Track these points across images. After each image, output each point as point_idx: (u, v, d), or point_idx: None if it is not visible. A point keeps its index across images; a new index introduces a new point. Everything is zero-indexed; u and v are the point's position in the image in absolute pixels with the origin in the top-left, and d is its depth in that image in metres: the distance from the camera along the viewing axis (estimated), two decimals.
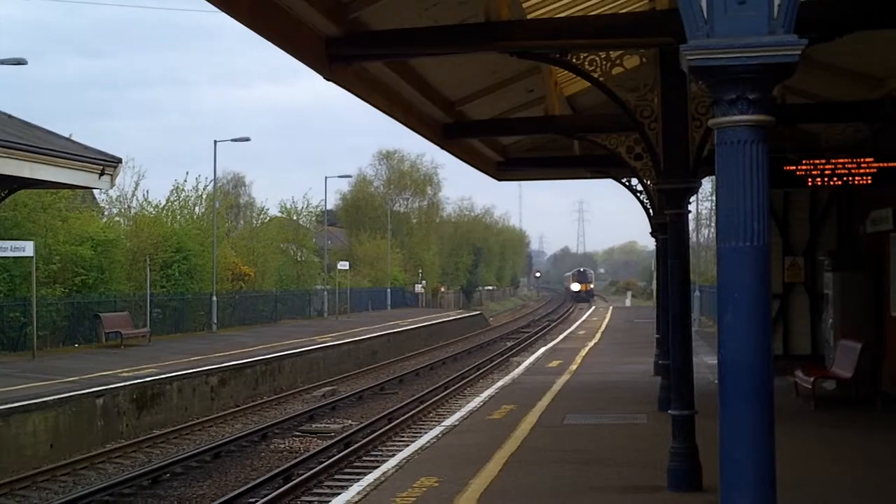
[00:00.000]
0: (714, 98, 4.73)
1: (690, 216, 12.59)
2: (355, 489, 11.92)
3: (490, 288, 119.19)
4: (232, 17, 10.08)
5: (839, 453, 14.06)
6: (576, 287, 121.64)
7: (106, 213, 47.92)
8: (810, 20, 5.06)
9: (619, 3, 15.96)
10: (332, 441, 20.59)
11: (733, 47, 4.54)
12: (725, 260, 4.73)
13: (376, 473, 12.86)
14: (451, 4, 12.71)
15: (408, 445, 16.18)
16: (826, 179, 16.97)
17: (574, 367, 27.48)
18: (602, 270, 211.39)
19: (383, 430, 21.96)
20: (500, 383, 23.99)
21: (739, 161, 4.65)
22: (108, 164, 22.98)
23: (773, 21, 4.53)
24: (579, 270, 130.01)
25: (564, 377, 24.52)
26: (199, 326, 43.39)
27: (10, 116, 23.54)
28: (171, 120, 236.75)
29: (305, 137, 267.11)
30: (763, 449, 4.65)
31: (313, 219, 71.39)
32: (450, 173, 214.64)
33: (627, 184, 22.40)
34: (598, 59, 11.41)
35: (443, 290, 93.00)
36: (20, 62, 28.05)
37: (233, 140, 46.69)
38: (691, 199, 11.91)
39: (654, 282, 32.97)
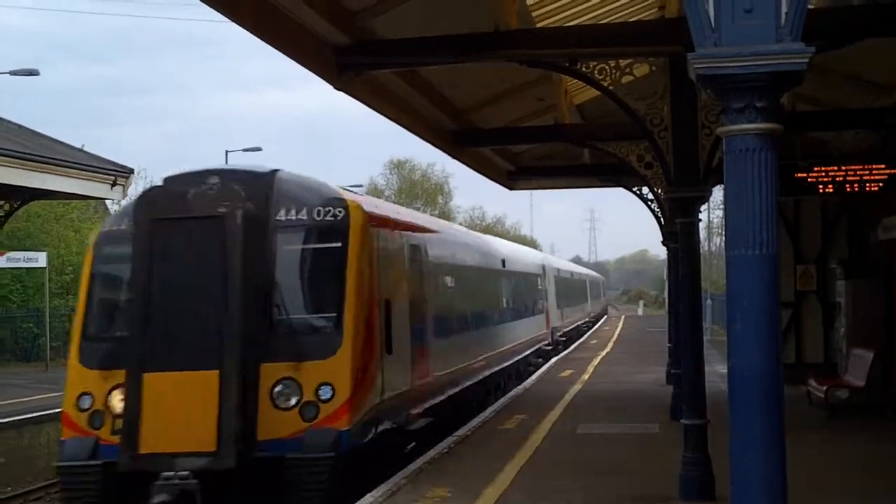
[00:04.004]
0: (722, 106, 4.73)
1: (702, 224, 12.61)
2: (366, 500, 11.87)
3: None
4: (241, 26, 10.12)
5: (851, 462, 13.98)
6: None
7: None
8: (818, 28, 5.06)
9: (628, 12, 15.98)
10: None
11: (741, 56, 4.54)
12: (734, 268, 4.73)
13: (388, 484, 12.81)
14: (460, 13, 12.72)
15: (419, 455, 16.15)
16: (837, 187, 16.91)
17: (586, 376, 27.39)
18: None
19: None
20: (511, 393, 23.93)
21: (748, 169, 4.65)
22: (119, 174, 23.08)
23: (780, 29, 4.53)
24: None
25: (577, 386, 24.44)
26: None
27: (20, 126, 23.65)
28: (177, 127, 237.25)
29: (315, 145, 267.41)
30: (774, 457, 4.64)
31: None
32: (461, 182, 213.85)
33: (638, 192, 22.38)
34: (607, 67, 11.41)
35: None
36: (32, 73, 28.19)
37: (244, 150, 46.73)
38: (702, 208, 11.89)
39: (666, 290, 32.41)
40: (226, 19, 9.86)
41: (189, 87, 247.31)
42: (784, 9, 4.54)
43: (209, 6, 9.45)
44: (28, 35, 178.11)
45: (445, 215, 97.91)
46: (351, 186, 19.39)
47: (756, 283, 4.67)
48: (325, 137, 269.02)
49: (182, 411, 10.80)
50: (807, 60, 4.52)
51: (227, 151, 46.18)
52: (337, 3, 11.12)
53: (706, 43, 4.62)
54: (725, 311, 4.85)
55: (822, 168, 16.93)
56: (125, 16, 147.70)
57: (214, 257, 11.18)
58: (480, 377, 21.33)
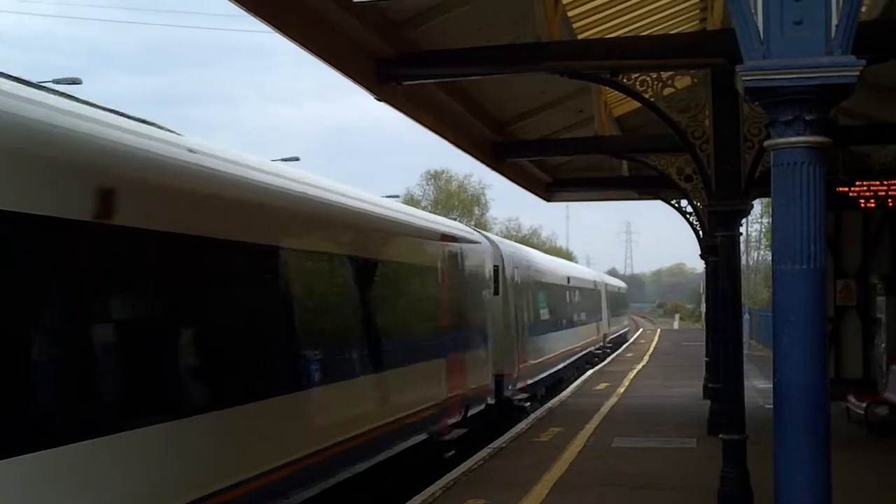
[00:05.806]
0: (770, 119, 4.67)
1: (740, 238, 12.49)
2: None
3: None
4: (285, 37, 10.16)
5: (889, 480, 13.83)
6: None
7: None
8: (866, 40, 4.98)
9: (670, 24, 15.94)
10: None
11: (790, 68, 4.48)
12: (781, 282, 4.66)
13: (424, 495, 12.81)
14: (503, 25, 12.73)
15: (455, 466, 16.13)
16: (878, 201, 16.76)
17: (622, 389, 27.28)
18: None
19: None
20: (547, 405, 23.87)
21: (796, 182, 4.59)
22: None
23: (830, 41, 4.47)
24: None
25: (612, 400, 24.34)
26: None
27: None
28: (221, 138, 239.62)
29: (353, 156, 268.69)
30: (819, 474, 4.58)
31: None
32: (497, 193, 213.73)
33: (677, 205, 22.28)
34: (649, 79, 11.35)
35: None
36: (75, 81, 28.53)
37: (283, 160, 46.93)
38: (742, 221, 11.79)
39: (703, 304, 33.02)
40: (273, 31, 9.88)
41: (235, 98, 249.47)
42: (834, 21, 4.48)
43: (260, 21, 9.49)
44: (77, 44, 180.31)
45: (481, 226, 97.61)
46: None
47: (803, 298, 4.60)
48: (365, 149, 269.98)
49: None
50: (857, 73, 4.46)
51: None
52: (382, 14, 11.14)
53: (755, 55, 4.57)
54: (771, 326, 4.79)
55: (864, 182, 16.78)
56: (169, 26, 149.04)
57: None
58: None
